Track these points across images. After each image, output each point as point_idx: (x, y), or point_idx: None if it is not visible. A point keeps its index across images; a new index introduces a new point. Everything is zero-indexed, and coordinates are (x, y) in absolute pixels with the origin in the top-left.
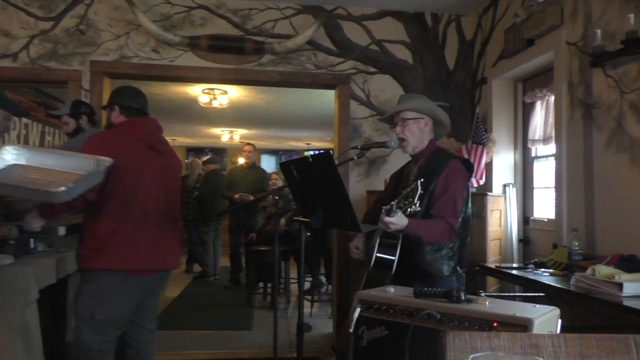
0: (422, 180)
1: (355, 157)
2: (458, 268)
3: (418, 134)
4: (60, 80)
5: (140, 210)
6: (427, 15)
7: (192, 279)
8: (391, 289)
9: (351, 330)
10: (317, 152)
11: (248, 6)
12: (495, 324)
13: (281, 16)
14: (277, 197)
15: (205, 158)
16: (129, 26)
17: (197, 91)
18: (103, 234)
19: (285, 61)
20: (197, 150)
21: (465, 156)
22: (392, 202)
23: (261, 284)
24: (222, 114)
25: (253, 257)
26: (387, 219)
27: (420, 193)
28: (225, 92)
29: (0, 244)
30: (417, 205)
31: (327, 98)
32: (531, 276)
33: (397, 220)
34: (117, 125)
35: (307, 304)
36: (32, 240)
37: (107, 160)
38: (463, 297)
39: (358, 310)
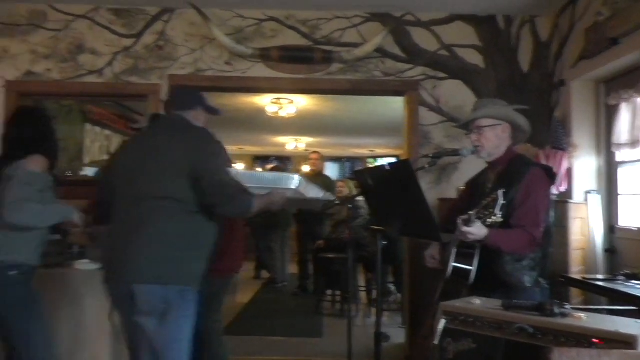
0: (503, 190)
1: (426, 166)
2: (540, 279)
3: (495, 140)
4: (141, 94)
5: None
6: (499, 17)
7: (262, 285)
8: (477, 301)
9: (436, 342)
10: (392, 160)
11: (317, 16)
12: (595, 340)
13: (349, 25)
14: (349, 205)
15: (270, 166)
16: (203, 40)
17: (264, 101)
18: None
19: (353, 69)
20: (262, 159)
21: (544, 162)
22: (471, 212)
23: (329, 292)
24: (288, 123)
25: (321, 265)
26: (465, 228)
27: (502, 204)
28: (292, 102)
29: (88, 251)
30: (499, 216)
31: (393, 105)
32: (622, 288)
33: (476, 231)
34: None
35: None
36: None
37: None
38: (557, 311)
39: (443, 322)
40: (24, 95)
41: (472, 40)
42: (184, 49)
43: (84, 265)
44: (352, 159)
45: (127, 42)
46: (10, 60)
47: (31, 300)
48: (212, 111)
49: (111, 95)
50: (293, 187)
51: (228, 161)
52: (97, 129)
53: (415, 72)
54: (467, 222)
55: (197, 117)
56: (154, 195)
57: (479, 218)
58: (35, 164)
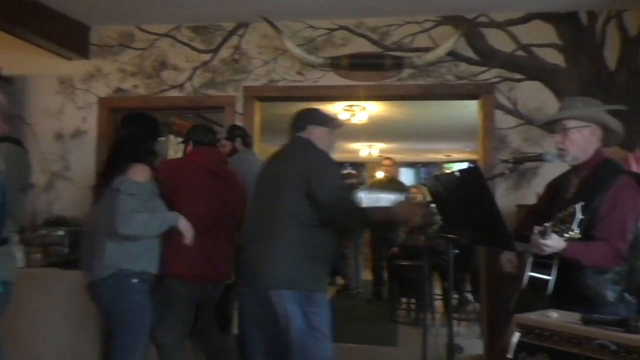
0: (582, 204)
1: (506, 172)
2: (625, 294)
3: (581, 143)
4: (218, 106)
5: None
6: (581, 13)
7: (336, 292)
8: (554, 314)
9: (510, 356)
10: (463, 166)
11: (387, 23)
12: None
13: (420, 30)
14: None
15: (343, 172)
16: (276, 52)
17: (336, 109)
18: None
19: (425, 74)
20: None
21: (634, 165)
22: (547, 224)
23: (404, 299)
24: (361, 129)
25: (395, 272)
26: (541, 241)
27: (580, 219)
28: (364, 108)
29: None
30: (576, 232)
31: (468, 108)
32: None
33: (553, 243)
34: (188, 155)
35: (453, 322)
36: None
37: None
38: None
39: (517, 335)
40: (114, 110)
41: (551, 38)
42: (257, 61)
43: None
44: (427, 164)
45: (205, 57)
46: (103, 78)
47: (146, 309)
48: (323, 123)
49: (191, 108)
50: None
51: (342, 177)
52: (179, 139)
53: (490, 74)
54: (543, 235)
55: (311, 134)
56: (277, 210)
57: (555, 232)
58: (139, 174)
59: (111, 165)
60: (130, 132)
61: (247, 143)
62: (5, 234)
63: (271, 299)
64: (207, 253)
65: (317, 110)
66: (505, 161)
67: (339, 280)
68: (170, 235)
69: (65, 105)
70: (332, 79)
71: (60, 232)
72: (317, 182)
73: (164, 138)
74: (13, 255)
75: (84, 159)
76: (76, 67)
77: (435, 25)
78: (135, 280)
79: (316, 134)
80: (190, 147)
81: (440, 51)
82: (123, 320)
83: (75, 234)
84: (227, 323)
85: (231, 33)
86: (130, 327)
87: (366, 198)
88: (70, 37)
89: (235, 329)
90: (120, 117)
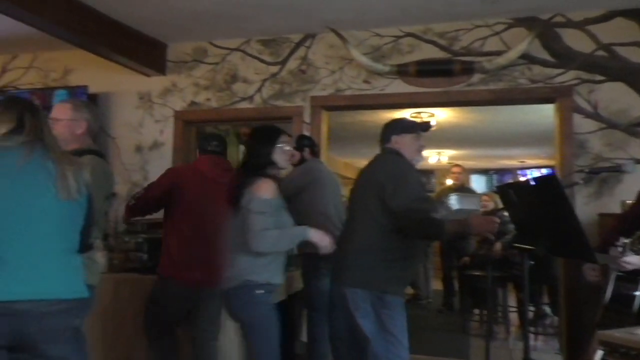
0: None
1: (580, 182)
2: None
3: None
4: (286, 116)
5: (192, 227)
6: None
7: (406, 301)
8: None
9: None
10: (539, 174)
11: (455, 27)
12: None
13: (491, 33)
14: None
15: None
16: (342, 61)
17: (404, 115)
18: (173, 246)
19: (496, 78)
20: None
21: None
22: (626, 241)
23: (477, 311)
24: (430, 136)
25: (467, 282)
26: (622, 259)
27: None
28: (433, 115)
29: None
30: None
31: (544, 112)
32: None
33: (635, 261)
34: (194, 162)
35: (529, 336)
36: None
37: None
38: None
39: (600, 353)
40: (189, 122)
41: (636, 36)
42: (324, 71)
43: None
44: (500, 171)
45: (274, 69)
46: (178, 93)
47: (272, 319)
48: (407, 130)
49: (260, 119)
50: (455, 207)
51: (421, 187)
52: None
53: (567, 76)
54: (624, 251)
55: (396, 143)
56: (360, 214)
57: (633, 250)
58: (265, 190)
59: (239, 181)
60: (249, 146)
61: (315, 152)
62: (91, 240)
63: (347, 296)
64: (203, 257)
65: (400, 119)
66: (580, 171)
67: (409, 290)
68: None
69: (144, 119)
70: (399, 86)
71: (140, 239)
72: (391, 191)
73: (281, 145)
74: (97, 261)
75: (161, 169)
76: (154, 83)
77: (506, 27)
78: (260, 292)
79: (401, 143)
80: (199, 155)
81: (513, 54)
82: (252, 329)
83: (153, 241)
84: (294, 330)
85: (298, 44)
86: (259, 337)
87: (456, 201)
88: (149, 55)
89: (304, 336)
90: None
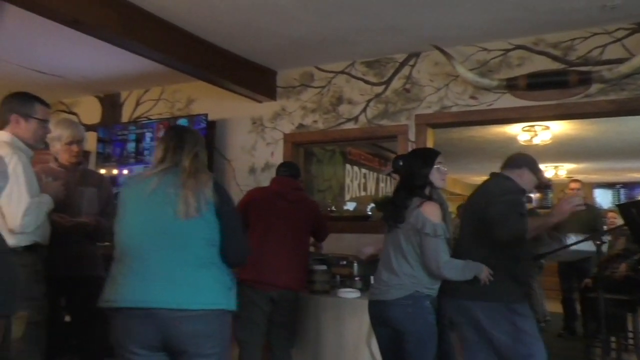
0: None
1: None
2: None
3: None
4: (391, 135)
5: (262, 236)
6: None
7: None
8: None
9: None
10: None
11: (570, 37)
12: None
13: (611, 40)
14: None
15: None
16: (447, 78)
17: (515, 129)
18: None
19: (618, 88)
20: None
21: None
22: None
23: (602, 337)
24: (544, 150)
25: (590, 306)
26: None
27: None
28: (547, 128)
29: (348, 281)
30: None
31: None
32: None
33: None
34: (270, 183)
35: None
36: (372, 277)
37: None
38: None
39: None
40: (297, 144)
41: None
42: (429, 89)
43: (346, 293)
44: (628, 185)
45: (378, 89)
46: (287, 116)
47: (435, 328)
48: (537, 173)
49: (366, 139)
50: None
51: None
52: (355, 168)
53: None
54: None
55: (520, 176)
56: (469, 230)
57: None
58: (434, 214)
59: (399, 201)
60: (408, 168)
61: None
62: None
63: (475, 310)
64: (272, 261)
65: (536, 161)
66: None
67: None
68: None
69: (257, 142)
70: (508, 100)
71: None
72: (488, 205)
73: (438, 166)
74: None
75: None
76: (265, 108)
77: (629, 33)
78: (427, 303)
79: (525, 178)
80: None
81: (636, 61)
82: (415, 340)
83: None
84: None
85: (402, 64)
86: (422, 347)
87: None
88: (260, 83)
89: None
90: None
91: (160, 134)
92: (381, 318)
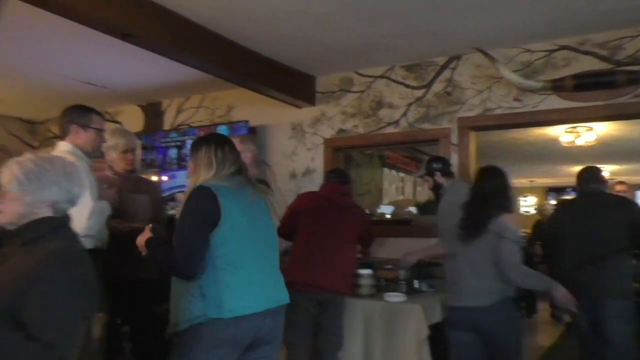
0: None
1: None
2: None
3: None
4: (432, 139)
5: (312, 240)
6: None
7: (564, 330)
8: None
9: None
10: None
11: (618, 36)
12: None
13: None
14: None
15: (567, 197)
16: (490, 80)
17: (558, 131)
18: (295, 257)
19: None
20: (557, 190)
21: None
22: None
23: None
24: (587, 151)
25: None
26: None
27: None
28: (591, 129)
29: (393, 284)
30: None
31: None
32: None
33: None
34: (320, 189)
35: None
36: (416, 281)
37: None
38: None
39: None
40: (337, 149)
41: None
42: (471, 92)
43: (393, 297)
44: None
45: (419, 92)
46: (327, 121)
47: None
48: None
49: (406, 142)
50: None
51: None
52: (393, 171)
53: None
54: None
55: (604, 189)
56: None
57: None
58: (511, 221)
59: (480, 214)
60: (495, 184)
61: (448, 173)
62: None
63: (610, 307)
64: (320, 265)
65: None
66: None
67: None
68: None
69: (297, 147)
70: (553, 102)
71: None
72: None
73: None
74: None
75: None
76: (305, 114)
77: None
78: (516, 307)
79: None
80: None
81: None
82: (507, 343)
83: None
84: None
85: (443, 67)
86: (513, 350)
87: None
88: (299, 88)
89: None
90: (478, 170)
91: None
92: (470, 324)
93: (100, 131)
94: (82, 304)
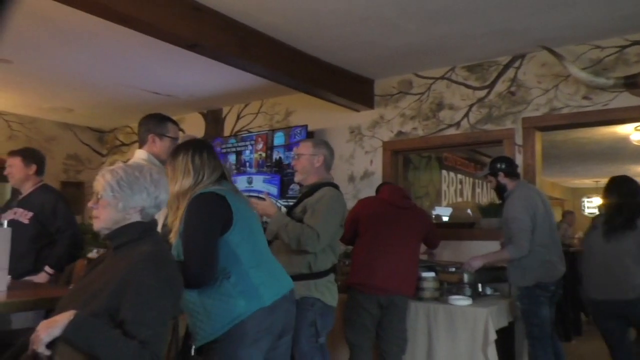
0: None
1: None
2: None
3: None
4: (495, 140)
5: (373, 242)
6: None
7: None
8: None
9: None
10: None
11: None
12: None
13: None
14: None
15: None
16: (557, 79)
17: (627, 129)
18: (356, 259)
19: None
20: None
21: None
22: None
23: None
24: None
25: None
26: None
27: None
28: None
29: (456, 287)
30: None
31: None
32: None
33: None
34: (378, 193)
35: None
36: (480, 285)
37: None
38: None
39: None
40: (396, 152)
41: None
42: (536, 91)
43: (457, 300)
44: None
45: (480, 93)
46: (385, 124)
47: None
48: None
49: (468, 144)
50: None
51: None
52: (452, 173)
53: None
54: None
55: None
56: None
57: None
58: None
59: (622, 214)
60: (631, 191)
61: (512, 174)
62: (329, 265)
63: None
64: (382, 267)
65: None
66: None
67: None
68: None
69: (355, 150)
70: (626, 99)
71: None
72: None
73: None
74: (335, 284)
75: None
76: (363, 117)
77: None
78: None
79: None
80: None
81: None
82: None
83: None
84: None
85: (506, 66)
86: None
87: None
88: (358, 92)
89: None
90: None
91: (259, 146)
92: (618, 314)
93: (175, 140)
94: (171, 304)
